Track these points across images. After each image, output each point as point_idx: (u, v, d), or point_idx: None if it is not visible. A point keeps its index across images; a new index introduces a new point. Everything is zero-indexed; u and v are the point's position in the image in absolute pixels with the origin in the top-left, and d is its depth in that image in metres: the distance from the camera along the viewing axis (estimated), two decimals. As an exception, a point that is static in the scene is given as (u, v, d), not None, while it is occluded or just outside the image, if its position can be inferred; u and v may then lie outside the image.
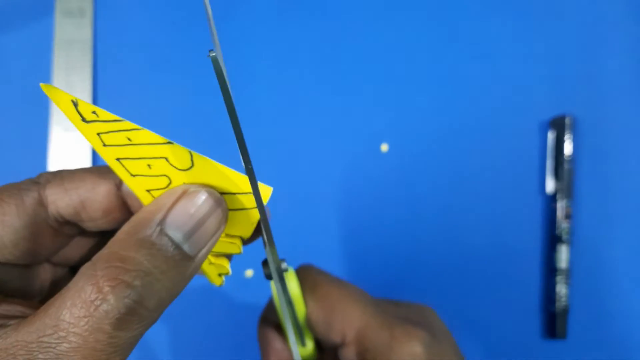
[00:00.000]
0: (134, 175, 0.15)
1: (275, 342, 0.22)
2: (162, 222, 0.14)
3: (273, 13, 0.42)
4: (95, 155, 0.41)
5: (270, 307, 0.22)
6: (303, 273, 0.22)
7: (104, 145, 0.15)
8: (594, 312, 0.38)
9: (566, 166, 0.38)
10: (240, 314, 0.39)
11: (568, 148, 0.38)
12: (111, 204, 0.16)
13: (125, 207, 0.17)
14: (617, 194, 0.39)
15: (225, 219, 0.16)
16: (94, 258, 0.14)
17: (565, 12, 0.41)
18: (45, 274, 0.18)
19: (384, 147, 0.40)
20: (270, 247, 0.17)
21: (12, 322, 0.14)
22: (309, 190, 0.40)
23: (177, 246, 0.14)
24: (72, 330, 0.13)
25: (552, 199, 0.38)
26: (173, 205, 0.15)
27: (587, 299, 0.38)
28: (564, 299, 0.37)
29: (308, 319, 0.20)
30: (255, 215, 0.16)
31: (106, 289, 0.13)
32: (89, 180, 0.16)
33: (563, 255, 0.37)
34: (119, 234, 0.14)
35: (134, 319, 0.13)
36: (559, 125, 0.39)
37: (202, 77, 0.41)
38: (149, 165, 0.15)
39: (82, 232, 0.18)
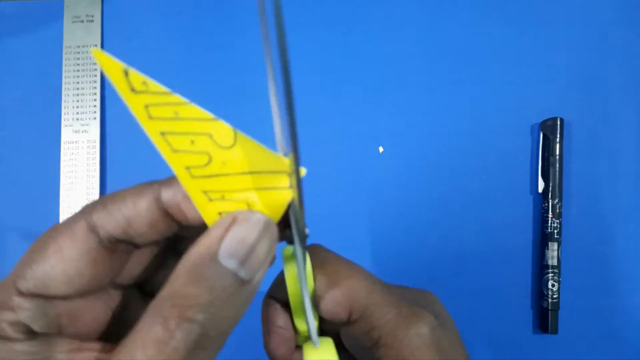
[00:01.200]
0: (175, 151, 0.15)
1: (279, 320, 0.21)
2: (216, 254, 0.15)
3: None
4: (103, 156, 0.42)
5: (278, 283, 0.22)
6: (312, 251, 0.21)
7: (150, 117, 0.15)
8: (584, 308, 0.39)
9: (556, 166, 0.39)
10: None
11: (558, 149, 0.39)
12: (154, 216, 0.17)
13: (168, 217, 0.17)
14: (606, 193, 0.40)
15: (275, 241, 0.16)
16: (158, 297, 0.15)
17: (555, 16, 0.41)
18: (114, 300, 0.19)
19: (381, 149, 0.41)
20: (300, 209, 0.17)
21: None
22: (309, 190, 0.41)
23: (234, 274, 0.15)
24: None
25: (543, 198, 0.39)
26: (224, 235, 0.15)
27: (578, 295, 0.39)
28: (555, 295, 0.38)
29: (316, 295, 0.20)
30: (287, 197, 0.16)
31: (172, 326, 0.14)
32: (129, 199, 0.17)
33: (554, 252, 0.38)
34: (178, 271, 0.15)
35: (201, 350, 0.14)
36: (549, 126, 0.39)
37: (209, 81, 0.42)
38: (192, 141, 0.15)
39: (137, 247, 0.18)
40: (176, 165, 0.16)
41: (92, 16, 0.43)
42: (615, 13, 0.41)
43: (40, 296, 0.16)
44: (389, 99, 0.41)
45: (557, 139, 0.39)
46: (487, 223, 0.40)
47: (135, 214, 0.16)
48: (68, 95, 0.42)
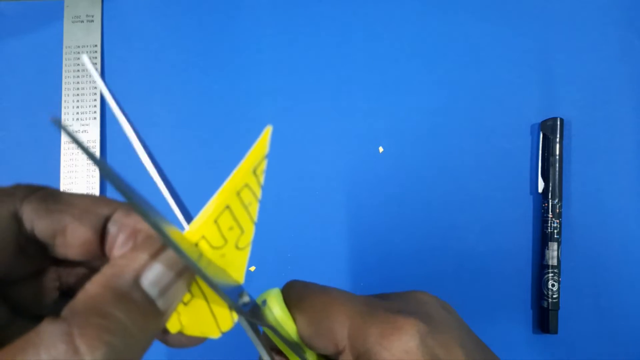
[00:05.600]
0: (215, 222, 0.16)
1: None
2: (139, 277, 0.14)
3: (275, 22, 0.42)
4: (103, 157, 0.41)
5: (266, 337, 0.21)
6: (287, 290, 0.20)
7: (237, 193, 0.16)
8: (584, 308, 0.39)
9: (556, 166, 0.39)
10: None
11: (558, 149, 0.39)
12: (92, 237, 0.15)
13: (102, 244, 0.16)
14: (605, 193, 0.40)
15: (191, 283, 0.16)
16: (65, 311, 0.13)
17: (555, 16, 0.41)
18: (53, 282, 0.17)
19: (381, 149, 0.41)
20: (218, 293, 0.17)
21: None
22: (309, 189, 0.41)
23: (152, 302, 0.14)
24: None
25: (543, 198, 0.39)
26: (150, 261, 0.14)
27: (578, 295, 0.39)
28: (555, 295, 0.38)
29: (301, 335, 0.19)
30: (213, 333, 0.17)
31: (83, 350, 0.12)
32: (81, 206, 0.15)
33: (554, 252, 0.38)
34: (92, 286, 0.13)
35: None
36: (549, 126, 0.39)
37: (210, 82, 0.42)
38: (231, 227, 0.16)
39: (46, 258, 0.16)
40: (201, 230, 0.16)
41: (92, 16, 0.43)
42: (615, 13, 0.41)
43: None
44: (389, 99, 0.41)
45: (557, 139, 0.39)
46: (487, 223, 0.40)
47: (77, 224, 0.15)
48: (68, 96, 0.42)
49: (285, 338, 0.19)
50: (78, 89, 0.42)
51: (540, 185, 0.39)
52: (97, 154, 0.41)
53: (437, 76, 0.41)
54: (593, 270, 0.39)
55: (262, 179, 0.16)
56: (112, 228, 0.15)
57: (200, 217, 0.16)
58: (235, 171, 0.16)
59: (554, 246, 0.38)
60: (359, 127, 0.41)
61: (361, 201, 0.40)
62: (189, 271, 0.15)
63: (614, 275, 0.39)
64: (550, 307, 0.38)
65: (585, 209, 0.40)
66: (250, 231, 0.17)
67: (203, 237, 0.16)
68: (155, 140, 0.41)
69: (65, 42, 0.43)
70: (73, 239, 0.15)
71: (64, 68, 0.42)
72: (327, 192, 0.41)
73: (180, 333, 0.16)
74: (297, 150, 0.41)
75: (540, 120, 0.40)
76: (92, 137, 0.41)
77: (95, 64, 0.42)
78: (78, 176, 0.40)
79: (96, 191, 0.41)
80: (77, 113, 0.41)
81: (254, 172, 0.16)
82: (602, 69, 0.41)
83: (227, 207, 0.16)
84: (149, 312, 0.14)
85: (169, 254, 0.15)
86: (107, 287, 0.13)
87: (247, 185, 0.16)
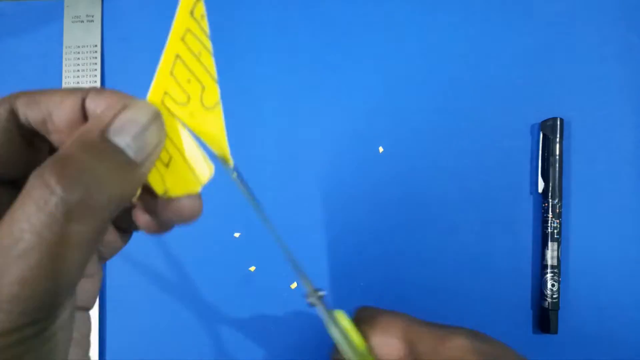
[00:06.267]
0: (171, 75, 0.17)
1: None
2: (106, 130, 0.15)
3: (274, 21, 0.42)
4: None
5: (335, 350, 0.24)
6: (358, 312, 0.24)
7: (182, 39, 0.17)
8: (584, 308, 0.39)
9: (556, 166, 0.39)
10: (243, 306, 0.40)
11: (558, 149, 0.39)
12: (75, 117, 0.17)
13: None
14: (605, 193, 0.40)
15: (163, 131, 0.17)
16: (42, 165, 0.14)
17: (555, 15, 0.41)
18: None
19: (381, 149, 0.41)
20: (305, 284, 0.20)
21: None
22: (309, 189, 0.41)
23: (121, 151, 0.15)
24: (27, 228, 0.13)
25: (543, 198, 0.39)
26: (117, 114, 0.16)
27: (578, 294, 0.39)
28: (555, 295, 0.38)
29: (370, 348, 0.23)
30: (195, 189, 0.18)
31: (53, 183, 0.13)
32: (58, 94, 0.17)
33: (553, 252, 0.38)
34: (66, 144, 0.15)
35: (85, 212, 0.14)
36: (549, 127, 0.39)
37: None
38: (188, 80, 0.17)
39: (51, 150, 0.18)
40: (160, 84, 0.17)
41: (92, 16, 0.43)
42: (616, 13, 0.41)
43: None
44: (388, 98, 0.41)
45: (557, 139, 0.39)
46: (487, 223, 0.40)
47: (59, 108, 0.17)
48: (68, 95, 0.42)
49: (353, 345, 0.22)
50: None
51: (540, 185, 0.39)
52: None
53: (437, 76, 0.41)
54: (593, 270, 0.39)
55: (205, 25, 0.17)
56: (90, 105, 0.17)
57: (156, 73, 0.17)
58: (174, 19, 0.16)
59: (554, 246, 0.38)
60: (358, 127, 0.41)
61: (361, 201, 0.40)
62: (157, 120, 0.16)
63: (614, 275, 0.39)
64: (550, 307, 0.38)
65: (585, 209, 0.40)
66: (212, 87, 0.17)
67: (166, 92, 0.17)
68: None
69: (65, 42, 0.43)
70: (60, 122, 0.17)
71: (64, 68, 0.42)
72: (327, 192, 0.41)
73: (167, 197, 0.17)
74: (297, 150, 0.41)
75: (540, 120, 0.40)
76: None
77: (95, 64, 0.42)
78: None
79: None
80: (77, 113, 0.41)
81: (192, 14, 0.16)
82: (602, 69, 0.41)
83: (177, 56, 0.17)
84: (118, 160, 0.15)
85: (134, 108, 0.16)
86: (78, 141, 0.15)
87: (189, 30, 0.16)
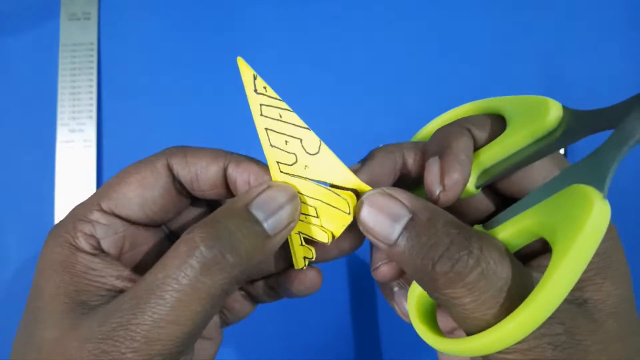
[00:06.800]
0: (272, 146, 0.20)
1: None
2: (249, 204, 0.18)
3: (273, 18, 0.42)
4: (99, 156, 0.41)
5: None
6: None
7: (261, 114, 0.19)
8: None
9: (560, 166, 0.38)
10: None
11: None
12: (217, 180, 0.20)
13: (227, 186, 0.21)
14: (611, 194, 0.39)
15: (297, 212, 0.19)
16: (193, 225, 0.18)
17: (559, 12, 0.41)
18: (166, 241, 0.22)
19: None
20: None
21: None
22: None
23: (259, 222, 0.18)
24: (173, 276, 0.16)
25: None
26: (260, 192, 0.19)
27: None
28: None
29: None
30: (348, 219, 0.19)
31: (198, 240, 0.16)
32: (205, 159, 0.20)
33: None
34: (215, 211, 0.18)
35: (217, 267, 0.16)
36: None
37: (206, 79, 0.42)
38: (286, 141, 0.20)
39: (194, 201, 0.22)
40: (270, 158, 0.20)
41: (89, 14, 0.43)
42: (618, 12, 0.41)
43: (116, 215, 0.19)
44: (389, 97, 0.41)
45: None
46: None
47: (205, 172, 0.20)
48: (64, 94, 0.41)
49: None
50: (74, 87, 0.41)
51: (544, 185, 0.39)
52: (94, 153, 0.40)
53: (438, 74, 0.41)
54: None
55: (272, 93, 0.20)
56: (231, 173, 0.20)
57: (265, 152, 0.20)
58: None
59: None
60: (359, 127, 0.41)
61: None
62: (293, 201, 0.19)
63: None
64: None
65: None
66: (307, 135, 0.20)
67: (277, 162, 0.20)
68: (154, 138, 0.41)
69: (62, 40, 0.42)
70: (204, 184, 0.20)
71: (60, 66, 0.42)
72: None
73: (334, 238, 0.20)
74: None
75: (543, 120, 0.40)
76: (88, 136, 0.41)
77: (92, 62, 0.42)
78: (74, 176, 0.40)
79: (92, 190, 0.40)
80: (73, 112, 0.41)
81: (257, 91, 0.20)
82: (606, 67, 0.40)
83: (266, 129, 0.20)
84: (254, 229, 0.18)
85: (275, 189, 0.19)
86: (225, 209, 0.18)
87: (262, 105, 0.20)
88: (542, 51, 0.41)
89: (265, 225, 0.18)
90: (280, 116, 0.19)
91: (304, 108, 0.41)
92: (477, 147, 0.21)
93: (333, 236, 0.20)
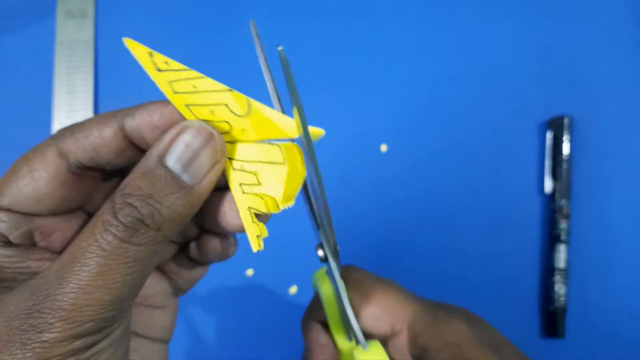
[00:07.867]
0: (199, 120, 0.18)
1: (321, 338, 0.23)
2: (162, 156, 0.17)
3: (273, 17, 0.42)
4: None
5: (314, 304, 0.23)
6: (345, 271, 0.24)
7: (175, 92, 0.17)
8: (592, 311, 0.38)
9: (564, 166, 0.38)
10: (241, 311, 0.39)
11: (566, 148, 0.38)
12: (120, 144, 0.18)
13: (134, 145, 0.19)
14: (614, 194, 0.39)
15: (219, 152, 0.18)
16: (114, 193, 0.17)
17: (562, 14, 0.41)
18: (85, 222, 0.21)
19: (384, 148, 0.40)
20: (328, 224, 0.20)
21: None
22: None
23: (176, 176, 0.17)
24: (91, 243, 0.16)
25: (551, 198, 0.39)
26: (172, 140, 0.17)
27: (585, 298, 0.38)
28: (562, 298, 0.37)
29: (356, 314, 0.22)
30: (284, 171, 0.18)
31: (117, 207, 0.16)
32: (95, 128, 0.18)
33: (561, 254, 0.37)
34: (132, 172, 0.17)
35: (139, 232, 0.16)
36: (557, 125, 0.39)
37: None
38: (212, 111, 0.17)
39: (106, 174, 0.20)
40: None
41: (86, 11, 0.43)
42: (623, 10, 0.41)
43: (14, 212, 0.18)
44: (392, 97, 0.41)
45: (567, 138, 0.38)
46: (494, 224, 0.39)
47: (101, 142, 0.18)
48: (60, 93, 0.41)
49: (342, 309, 0.21)
50: (70, 85, 0.41)
51: (548, 185, 0.39)
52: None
53: (442, 74, 0.41)
54: (601, 273, 0.39)
55: (177, 66, 0.17)
56: (129, 129, 0.18)
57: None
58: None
59: (561, 248, 0.37)
60: (361, 125, 0.41)
61: (363, 201, 0.40)
62: (211, 142, 0.17)
63: (623, 279, 0.38)
64: (557, 311, 0.37)
65: (594, 209, 0.39)
66: (232, 97, 0.17)
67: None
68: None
69: (58, 38, 0.42)
70: (107, 155, 0.18)
71: (56, 64, 0.42)
72: (329, 192, 0.40)
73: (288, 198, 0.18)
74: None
75: (546, 119, 0.40)
76: (84, 135, 0.40)
77: (88, 60, 0.42)
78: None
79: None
80: (70, 111, 0.41)
81: (159, 70, 0.17)
82: (609, 66, 0.40)
83: (187, 105, 0.17)
84: (172, 185, 0.17)
85: (188, 132, 0.17)
86: (137, 169, 0.17)
87: (171, 82, 0.17)
88: (545, 51, 0.41)
89: (185, 177, 0.17)
90: (195, 87, 0.17)
91: (305, 106, 0.41)
92: None
93: (278, 203, 0.18)
